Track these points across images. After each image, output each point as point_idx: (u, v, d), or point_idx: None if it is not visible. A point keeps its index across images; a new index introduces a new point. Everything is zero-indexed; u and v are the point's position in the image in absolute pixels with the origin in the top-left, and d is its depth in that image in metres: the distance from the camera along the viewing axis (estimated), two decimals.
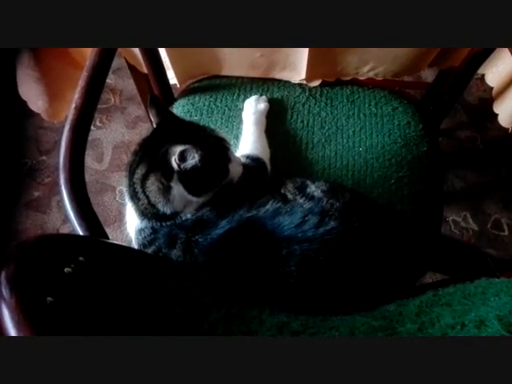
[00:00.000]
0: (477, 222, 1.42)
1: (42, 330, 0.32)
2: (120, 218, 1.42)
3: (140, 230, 0.64)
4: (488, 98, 1.66)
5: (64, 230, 1.38)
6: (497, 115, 1.04)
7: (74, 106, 0.58)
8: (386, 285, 0.61)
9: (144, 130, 1.56)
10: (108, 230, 1.46)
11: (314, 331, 0.48)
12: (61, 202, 0.55)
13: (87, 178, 1.51)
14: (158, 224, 0.63)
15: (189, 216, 0.64)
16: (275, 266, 0.58)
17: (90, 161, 1.50)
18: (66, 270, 0.39)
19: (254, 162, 0.79)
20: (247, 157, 0.80)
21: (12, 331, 0.31)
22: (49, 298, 0.34)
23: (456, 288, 0.54)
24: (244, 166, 0.74)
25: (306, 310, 0.57)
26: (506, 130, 1.03)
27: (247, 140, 0.85)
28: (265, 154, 0.83)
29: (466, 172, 1.50)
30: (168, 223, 0.63)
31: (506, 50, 0.78)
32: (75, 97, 0.59)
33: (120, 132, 1.56)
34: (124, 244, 0.56)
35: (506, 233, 1.39)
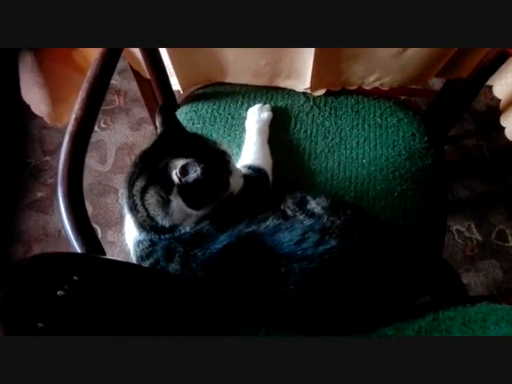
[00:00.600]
0: (481, 232, 1.40)
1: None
2: (122, 220, 1.42)
3: (138, 242, 0.64)
4: (496, 107, 1.64)
5: None
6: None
7: (73, 117, 0.58)
8: (384, 305, 0.60)
9: (148, 132, 1.56)
10: (110, 233, 1.46)
11: None
12: (57, 214, 0.55)
13: (90, 179, 1.52)
14: (157, 237, 0.63)
15: (188, 229, 0.63)
16: (274, 284, 0.57)
17: (93, 162, 1.50)
18: (59, 293, 0.38)
19: (255, 173, 0.78)
20: (249, 167, 0.79)
21: None
22: (40, 324, 0.34)
23: (456, 312, 0.53)
24: (245, 176, 0.74)
25: (302, 329, 0.56)
26: None
27: (249, 150, 0.84)
28: (267, 164, 0.82)
29: (471, 181, 1.48)
30: (167, 236, 0.63)
31: None
32: (75, 108, 0.58)
33: (124, 134, 1.56)
34: (120, 259, 0.56)
35: (511, 244, 1.38)
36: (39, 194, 1.46)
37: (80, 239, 0.51)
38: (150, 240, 0.64)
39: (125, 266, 0.54)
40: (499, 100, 1.03)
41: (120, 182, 1.47)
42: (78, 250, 0.51)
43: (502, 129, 1.03)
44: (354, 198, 0.82)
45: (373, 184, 0.83)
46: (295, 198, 0.67)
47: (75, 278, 0.42)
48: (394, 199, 0.82)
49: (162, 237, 0.63)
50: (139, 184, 0.63)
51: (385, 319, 0.55)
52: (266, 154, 0.84)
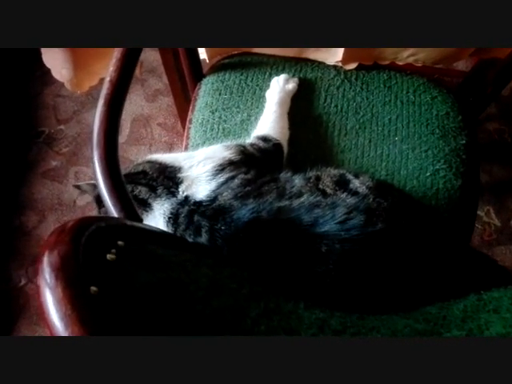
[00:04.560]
0: (499, 217, 1.38)
1: (91, 322, 0.30)
2: None
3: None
4: None
5: (81, 201, 1.37)
6: None
7: (108, 79, 0.55)
8: (424, 286, 0.58)
9: (164, 103, 1.53)
10: None
11: (354, 331, 0.47)
12: (94, 179, 0.53)
13: None
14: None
15: (209, 202, 0.61)
16: (312, 263, 0.55)
17: None
18: (109, 256, 0.37)
19: (269, 144, 0.77)
20: (264, 138, 0.77)
21: (59, 324, 0.29)
22: (93, 288, 0.32)
23: (501, 292, 0.52)
24: (257, 148, 0.73)
25: (340, 305, 0.55)
26: None
27: (267, 119, 0.82)
28: (283, 136, 0.80)
29: (491, 165, 1.45)
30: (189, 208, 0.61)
31: None
32: (110, 70, 0.56)
33: (139, 105, 1.53)
34: (157, 228, 0.54)
35: None
36: (53, 163, 1.44)
37: (118, 205, 0.49)
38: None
39: (164, 234, 0.53)
40: None
41: (135, 153, 1.45)
42: (116, 215, 0.49)
43: None
44: (386, 177, 0.80)
45: (405, 162, 0.81)
46: (333, 177, 0.65)
47: (120, 243, 0.41)
48: (427, 179, 0.80)
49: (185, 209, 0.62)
50: None
51: (425, 299, 0.54)
52: (284, 126, 0.82)
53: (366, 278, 0.56)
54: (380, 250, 0.55)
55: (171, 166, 0.67)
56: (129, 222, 0.47)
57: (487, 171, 1.44)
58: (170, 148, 1.45)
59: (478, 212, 1.38)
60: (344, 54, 0.89)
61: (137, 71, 1.75)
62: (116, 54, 0.57)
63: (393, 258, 0.56)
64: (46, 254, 0.33)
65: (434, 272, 0.59)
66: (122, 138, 1.46)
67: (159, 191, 0.63)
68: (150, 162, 0.70)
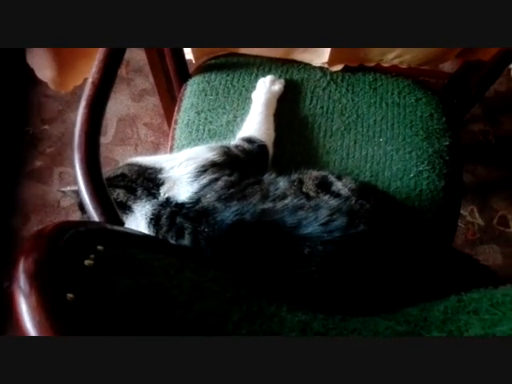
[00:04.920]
0: (483, 217, 1.40)
1: (65, 331, 0.29)
2: None
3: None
4: (504, 92, 1.63)
5: (65, 202, 1.35)
6: (511, 110, 1.00)
7: (90, 80, 0.55)
8: (407, 287, 0.59)
9: (150, 103, 1.51)
10: None
11: (336, 333, 0.47)
12: (75, 182, 0.52)
13: None
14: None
15: (193, 204, 0.61)
16: (295, 265, 0.55)
17: None
18: (87, 262, 0.36)
19: (252, 145, 0.77)
20: (249, 140, 0.77)
21: (32, 332, 0.29)
22: (69, 295, 0.32)
23: (481, 294, 0.52)
24: (241, 149, 0.73)
25: (322, 307, 0.55)
26: None
27: (253, 120, 0.82)
28: (268, 137, 0.80)
29: (475, 166, 1.47)
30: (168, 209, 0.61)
31: None
32: (92, 71, 0.55)
33: (125, 104, 1.51)
34: (140, 232, 0.54)
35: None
36: (38, 164, 1.42)
37: (99, 208, 0.49)
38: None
39: (146, 238, 0.52)
40: (508, 85, 1.01)
41: (121, 154, 1.44)
42: (97, 219, 0.49)
43: (509, 114, 1.02)
44: (370, 178, 0.80)
45: (389, 164, 0.82)
46: (314, 180, 0.65)
47: (99, 247, 0.40)
48: (410, 180, 0.81)
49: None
50: None
51: (408, 301, 0.54)
52: (269, 127, 0.82)
53: (348, 280, 0.56)
54: (362, 252, 0.56)
55: (151, 168, 0.67)
56: (109, 226, 0.46)
57: (471, 171, 1.46)
58: (156, 148, 1.44)
59: (462, 211, 1.40)
60: (330, 56, 0.89)
61: (123, 70, 1.73)
62: (99, 55, 0.56)
63: (375, 260, 0.56)
64: (22, 260, 0.33)
65: (416, 273, 0.59)
66: (108, 138, 1.45)
67: (139, 193, 0.63)
68: (129, 164, 0.70)
